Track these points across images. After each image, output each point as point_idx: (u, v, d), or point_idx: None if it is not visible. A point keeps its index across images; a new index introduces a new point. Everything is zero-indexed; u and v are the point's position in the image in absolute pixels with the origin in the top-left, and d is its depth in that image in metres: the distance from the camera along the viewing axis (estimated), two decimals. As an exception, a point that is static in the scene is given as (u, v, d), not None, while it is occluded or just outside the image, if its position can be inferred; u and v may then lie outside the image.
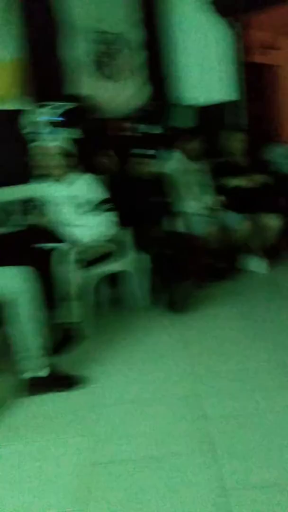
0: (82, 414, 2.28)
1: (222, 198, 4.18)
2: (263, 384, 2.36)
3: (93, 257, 3.14)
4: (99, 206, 3.27)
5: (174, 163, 4.17)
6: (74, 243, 3.25)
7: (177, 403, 2.28)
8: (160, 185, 3.87)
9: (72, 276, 2.96)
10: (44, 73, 3.88)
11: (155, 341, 3.03)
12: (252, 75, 5.72)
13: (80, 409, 2.32)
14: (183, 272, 3.54)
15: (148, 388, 2.46)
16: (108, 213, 3.28)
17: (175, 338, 3.04)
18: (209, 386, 2.39)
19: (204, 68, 4.97)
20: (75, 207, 3.30)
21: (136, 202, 3.65)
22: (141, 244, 3.59)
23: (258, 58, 6.26)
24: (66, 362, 2.74)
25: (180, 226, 3.96)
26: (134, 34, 4.55)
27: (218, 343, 2.89)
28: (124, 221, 3.48)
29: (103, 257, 3.27)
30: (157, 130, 4.41)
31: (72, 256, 2.99)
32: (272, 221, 4.21)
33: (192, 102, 4.94)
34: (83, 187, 3.26)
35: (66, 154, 3.19)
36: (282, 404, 2.16)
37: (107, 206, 3.28)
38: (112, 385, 2.52)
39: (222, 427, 2.04)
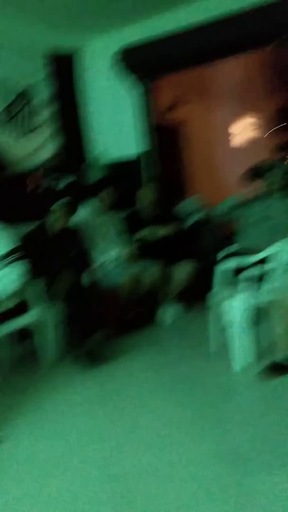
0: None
1: (135, 247, 4.24)
2: (178, 437, 2.31)
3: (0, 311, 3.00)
4: (5, 257, 3.16)
5: (86, 214, 4.20)
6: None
7: (90, 461, 2.17)
8: (73, 236, 3.86)
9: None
10: None
11: (68, 396, 2.90)
12: (162, 132, 6.03)
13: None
14: (96, 324, 3.48)
15: (59, 447, 2.32)
16: (13, 265, 3.18)
17: (89, 392, 2.93)
18: (123, 441, 2.30)
19: (116, 123, 5.16)
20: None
21: (49, 253, 3.60)
22: (53, 295, 3.51)
23: (166, 117, 6.64)
24: None
25: (93, 276, 3.95)
26: (44, 88, 4.64)
27: (132, 396, 2.83)
28: (35, 272, 3.39)
29: (12, 311, 3.13)
30: (68, 182, 4.44)
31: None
32: (183, 269, 4.32)
33: (104, 155, 5.07)
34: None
35: None
36: (199, 457, 2.11)
37: (11, 257, 3.18)
38: (20, 446, 2.35)
39: (136, 483, 1.95)
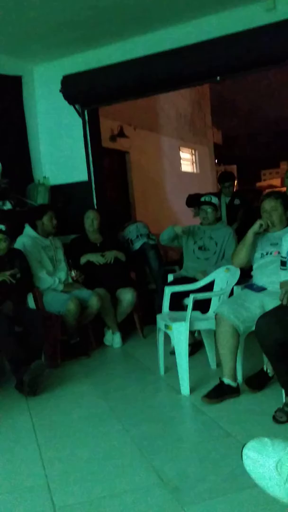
0: None
1: (76, 272, 4.20)
2: (115, 464, 2.26)
3: None
4: None
5: (26, 239, 4.12)
6: None
7: (26, 496, 2.06)
8: (18, 258, 3.76)
9: None
10: None
11: (2, 427, 2.77)
12: (108, 158, 6.08)
13: None
14: (34, 351, 3.37)
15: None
16: None
17: (23, 422, 2.82)
18: (59, 473, 2.22)
19: (62, 146, 5.15)
20: None
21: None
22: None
23: (109, 144, 6.72)
24: None
25: (32, 302, 3.85)
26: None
27: (69, 425, 2.75)
28: None
29: None
30: (7, 206, 4.35)
31: None
32: (126, 295, 4.31)
33: (45, 180, 5.04)
34: None
35: None
36: (135, 484, 2.07)
37: None
38: None
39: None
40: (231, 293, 3.33)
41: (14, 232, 3.84)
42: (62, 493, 2.05)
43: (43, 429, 2.72)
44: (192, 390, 3.04)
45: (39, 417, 2.88)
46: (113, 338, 4.31)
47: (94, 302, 4.04)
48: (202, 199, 4.21)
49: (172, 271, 4.36)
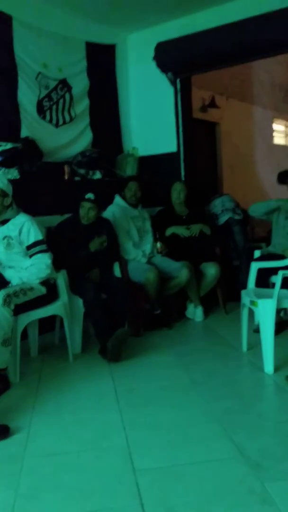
0: (6, 466, 2.09)
1: (161, 245, 4.20)
2: (194, 434, 2.27)
3: (23, 300, 2.99)
4: (33, 247, 3.16)
5: (115, 208, 4.18)
6: (3, 284, 3.11)
7: (106, 455, 2.14)
8: (100, 229, 3.83)
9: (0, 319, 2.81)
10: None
11: (86, 390, 2.88)
12: (198, 128, 5.96)
13: (4, 461, 2.13)
14: (118, 318, 3.45)
15: (77, 439, 2.30)
16: (41, 255, 3.17)
17: (107, 388, 2.90)
18: (140, 437, 2.27)
19: (153, 117, 5.12)
20: (6, 247, 3.17)
21: (75, 245, 3.59)
22: (75, 288, 3.49)
23: (199, 115, 6.57)
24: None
25: (118, 271, 3.92)
26: (78, 81, 4.63)
27: (150, 393, 2.79)
28: (60, 264, 3.39)
29: (34, 301, 3.12)
30: (97, 176, 4.43)
31: (0, 299, 2.83)
32: (209, 270, 4.26)
33: (134, 151, 5.05)
34: (16, 228, 3.15)
35: (0, 194, 3.09)
36: (215, 456, 2.07)
37: (40, 247, 3.18)
38: (39, 436, 2.34)
39: (151, 480, 1.92)
40: None
41: (102, 202, 3.90)
42: (142, 457, 2.09)
43: (124, 394, 2.79)
44: (276, 369, 2.96)
45: (121, 383, 2.95)
46: (195, 312, 4.29)
47: (184, 273, 4.03)
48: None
49: (258, 248, 4.23)
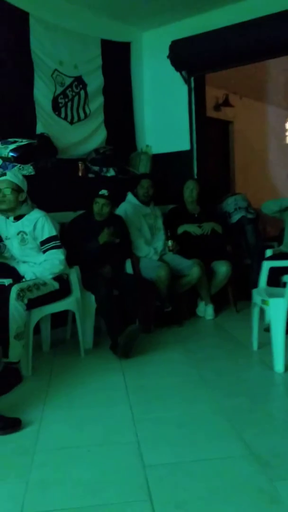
0: (17, 458, 2.13)
1: (173, 243, 4.21)
2: (204, 431, 2.28)
3: (36, 295, 3.03)
4: (46, 243, 3.19)
5: (128, 206, 4.20)
6: (17, 279, 3.14)
7: (116, 450, 2.16)
8: (118, 224, 3.86)
9: (12, 313, 2.84)
10: (3, 109, 3.88)
11: (97, 385, 2.91)
12: (211, 127, 5.95)
13: (15, 454, 2.16)
14: (130, 315, 3.47)
15: (87, 433, 2.33)
16: (55, 251, 3.20)
17: (117, 383, 2.93)
18: (150, 433, 2.29)
19: (166, 115, 5.12)
20: (20, 242, 3.21)
21: (88, 241, 3.62)
22: (88, 284, 3.52)
23: (212, 114, 6.56)
24: (2, 404, 2.58)
25: (130, 268, 3.94)
26: (93, 79, 4.65)
27: (160, 389, 2.81)
28: (72, 260, 3.42)
29: (47, 296, 3.16)
30: (111, 173, 4.45)
31: (13, 293, 2.87)
32: (221, 268, 4.26)
33: (148, 149, 5.06)
34: (30, 223, 3.19)
35: (15, 189, 3.13)
36: (224, 453, 2.09)
37: (54, 243, 3.21)
38: (49, 430, 2.37)
39: (160, 476, 1.94)
40: None
41: (115, 199, 3.92)
42: (152, 452, 2.12)
43: (135, 390, 2.81)
44: (286, 367, 2.97)
45: (131, 378, 2.98)
46: (205, 310, 4.31)
47: (195, 271, 4.04)
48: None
49: (270, 247, 4.22)
